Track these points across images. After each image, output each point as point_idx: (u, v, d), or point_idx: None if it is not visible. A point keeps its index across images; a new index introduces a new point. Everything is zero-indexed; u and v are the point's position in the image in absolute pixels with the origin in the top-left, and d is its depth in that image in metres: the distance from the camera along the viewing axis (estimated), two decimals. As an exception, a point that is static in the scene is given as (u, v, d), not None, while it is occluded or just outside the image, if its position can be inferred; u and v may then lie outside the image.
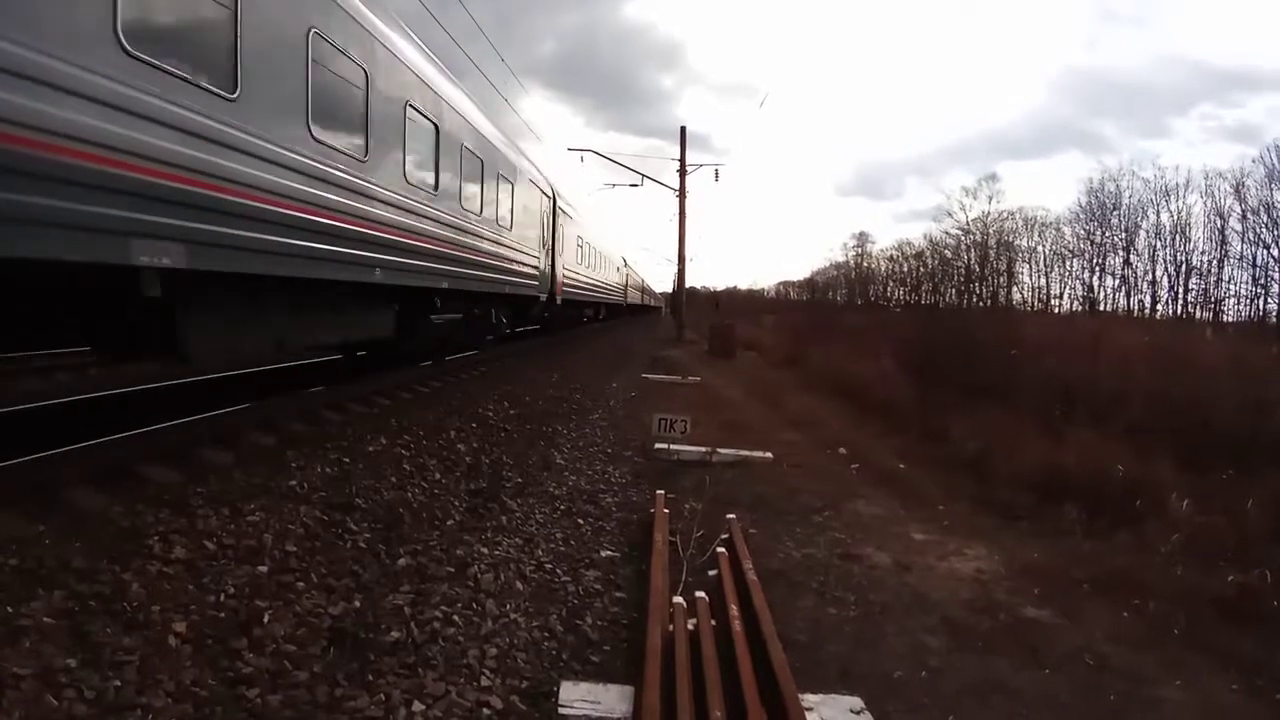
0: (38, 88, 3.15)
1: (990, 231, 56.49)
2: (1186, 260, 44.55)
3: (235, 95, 4.48)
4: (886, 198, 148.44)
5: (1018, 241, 55.68)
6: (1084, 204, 50.38)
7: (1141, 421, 8.67)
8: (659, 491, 6.08)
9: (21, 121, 3.09)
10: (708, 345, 24.72)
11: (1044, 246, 54.60)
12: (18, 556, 3.20)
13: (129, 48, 3.63)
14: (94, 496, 4.00)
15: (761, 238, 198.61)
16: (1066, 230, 52.27)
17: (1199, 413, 8.47)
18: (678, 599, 3.88)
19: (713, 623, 3.69)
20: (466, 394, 9.28)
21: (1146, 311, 43.17)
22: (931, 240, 63.69)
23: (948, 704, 3.44)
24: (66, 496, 3.92)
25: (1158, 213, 46.18)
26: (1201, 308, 42.45)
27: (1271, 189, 39.48)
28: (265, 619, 3.21)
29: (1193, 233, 44.55)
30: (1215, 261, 43.31)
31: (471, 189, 9.61)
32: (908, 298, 64.98)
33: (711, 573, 4.61)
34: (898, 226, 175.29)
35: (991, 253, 56.19)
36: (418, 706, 2.87)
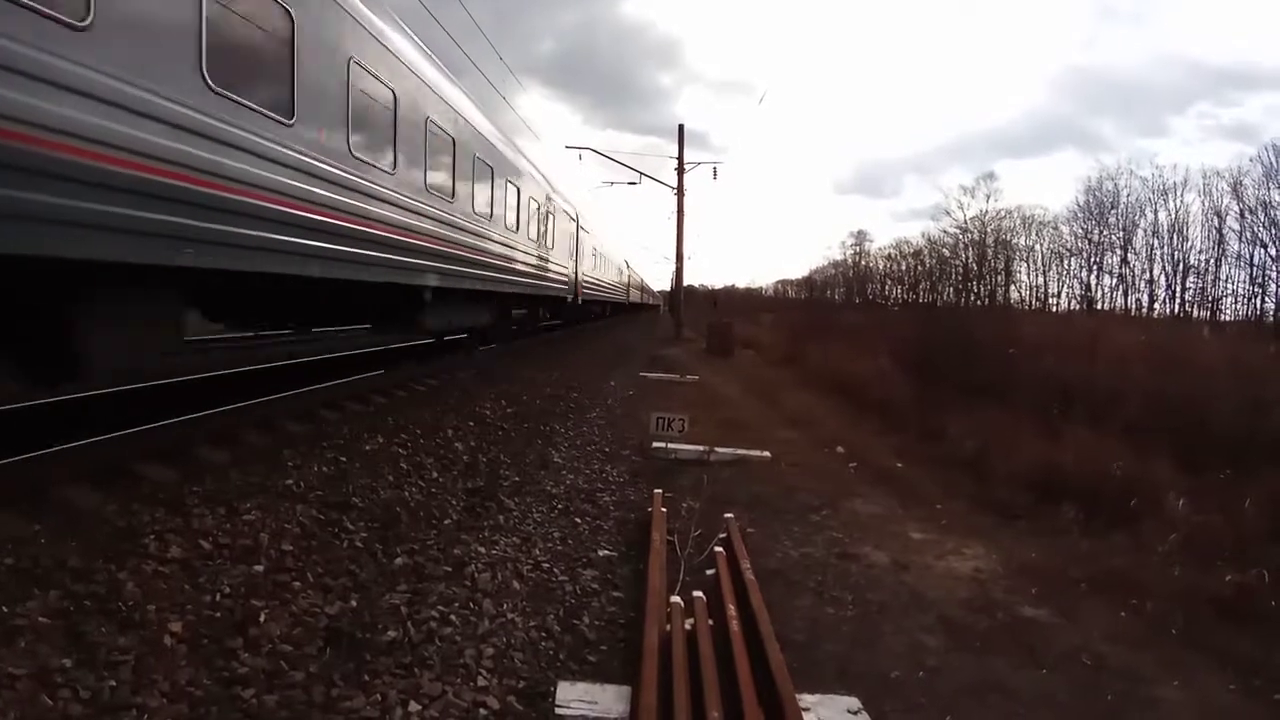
0: (148, 122, 3.62)
1: (988, 230, 56.47)
2: (1184, 259, 44.54)
3: (292, 121, 4.97)
4: (885, 196, 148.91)
5: (1016, 240, 55.70)
6: (1082, 203, 50.27)
7: (1139, 421, 8.70)
8: (656, 490, 6.08)
9: (145, 152, 3.59)
10: (706, 343, 24.71)
11: (1042, 245, 54.59)
12: (13, 556, 3.19)
13: (211, 84, 4.09)
14: (89, 495, 3.98)
15: (760, 236, 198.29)
16: (1064, 229, 52.16)
17: (1196, 412, 8.49)
18: (675, 598, 3.88)
19: (710, 622, 3.69)
20: (464, 392, 9.27)
21: (1144, 310, 43.21)
22: (930, 239, 63.76)
23: (945, 704, 3.44)
24: (62, 495, 3.90)
25: (1155, 212, 46.15)
26: (1199, 307, 42.45)
27: (1269, 188, 39.54)
28: (261, 619, 3.20)
29: (1190, 232, 44.50)
30: (1213, 260, 43.33)
31: (535, 226, 13.67)
32: (906, 296, 64.92)
33: (709, 572, 4.61)
34: (896, 225, 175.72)
35: (989, 251, 56.12)
36: (414, 707, 2.87)
